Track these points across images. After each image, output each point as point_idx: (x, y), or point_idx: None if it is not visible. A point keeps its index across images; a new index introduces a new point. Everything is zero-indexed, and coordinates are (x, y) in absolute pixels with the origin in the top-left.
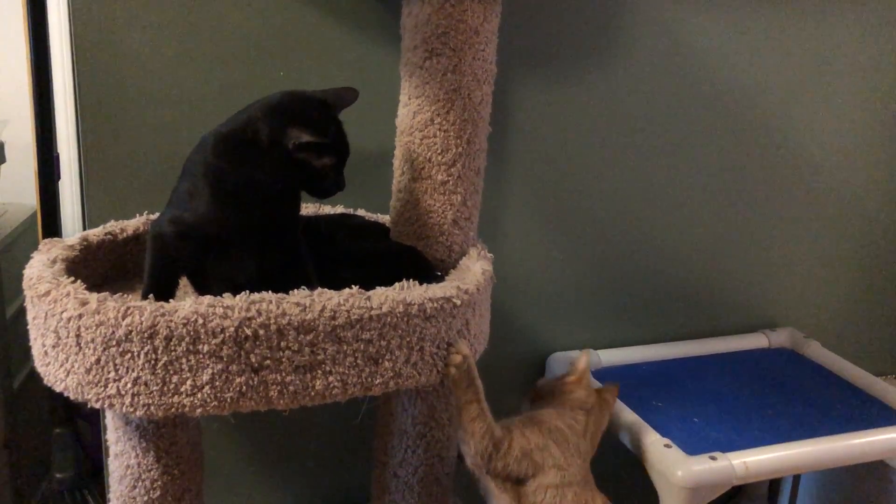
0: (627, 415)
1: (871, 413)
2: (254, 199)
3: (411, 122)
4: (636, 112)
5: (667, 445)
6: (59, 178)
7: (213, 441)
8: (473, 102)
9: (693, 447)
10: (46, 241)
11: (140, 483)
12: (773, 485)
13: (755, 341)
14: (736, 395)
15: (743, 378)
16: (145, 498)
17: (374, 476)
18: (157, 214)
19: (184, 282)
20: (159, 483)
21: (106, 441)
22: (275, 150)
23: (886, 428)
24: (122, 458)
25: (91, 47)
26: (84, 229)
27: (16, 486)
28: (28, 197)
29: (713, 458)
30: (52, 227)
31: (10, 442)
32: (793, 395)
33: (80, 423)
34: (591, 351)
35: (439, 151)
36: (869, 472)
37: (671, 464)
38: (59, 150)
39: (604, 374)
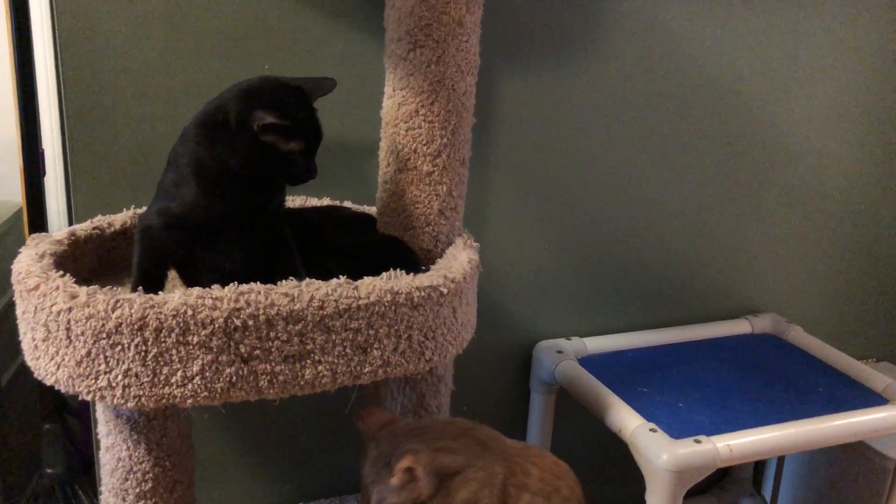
0: (613, 400)
1: (852, 395)
2: (233, 184)
3: (396, 114)
4: (620, 102)
5: (652, 430)
6: (44, 174)
7: (204, 433)
8: (458, 93)
9: (678, 431)
10: (34, 235)
11: (132, 475)
12: (758, 468)
13: (738, 327)
14: (720, 380)
15: (727, 363)
16: (137, 490)
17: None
18: (144, 209)
19: (172, 275)
20: (151, 475)
21: (97, 434)
22: (242, 132)
23: (866, 409)
24: (113, 450)
25: (75, 41)
26: (70, 225)
27: (6, 483)
28: (13, 194)
29: (698, 442)
30: (38, 223)
31: None
32: (776, 379)
33: (69, 419)
34: (577, 339)
35: (424, 142)
36: (851, 453)
37: (656, 447)
38: (43, 147)
39: (589, 361)
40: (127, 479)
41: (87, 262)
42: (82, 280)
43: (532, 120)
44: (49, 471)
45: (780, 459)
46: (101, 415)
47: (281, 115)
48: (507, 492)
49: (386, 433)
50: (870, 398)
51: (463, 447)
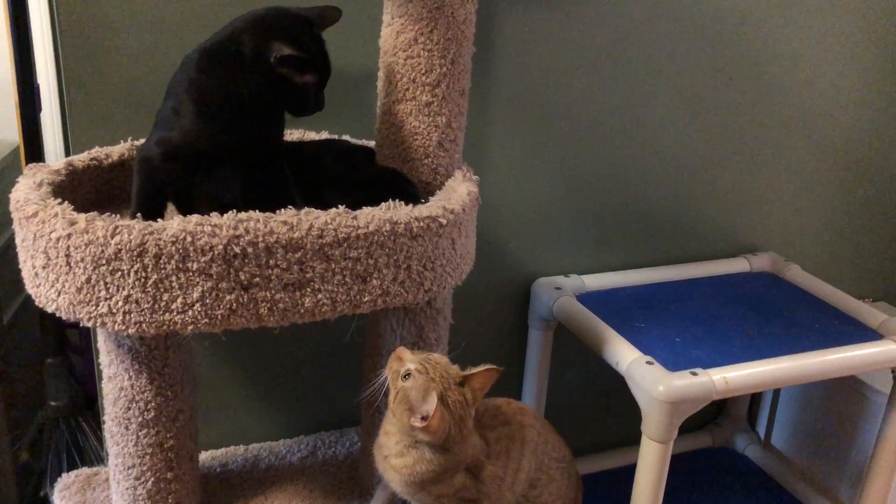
0: (610, 335)
1: (847, 331)
2: (237, 114)
3: (394, 42)
4: (623, 36)
5: (649, 362)
6: (40, 110)
7: (206, 365)
8: (457, 21)
9: (674, 364)
10: (31, 165)
11: (134, 405)
12: (753, 405)
13: (737, 265)
14: (717, 317)
15: (724, 301)
16: (140, 419)
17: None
18: (143, 140)
19: (171, 208)
20: (153, 404)
21: (98, 366)
22: (257, 64)
23: (861, 344)
24: (115, 380)
25: None
26: None
27: (11, 416)
28: (8, 132)
29: (694, 374)
30: (35, 160)
31: (3, 374)
32: (772, 315)
33: (71, 355)
34: (576, 276)
35: (423, 72)
36: (845, 390)
37: (653, 379)
38: (38, 82)
39: (587, 298)
40: (129, 409)
41: (85, 193)
42: (81, 212)
43: (533, 52)
44: (53, 404)
45: (775, 397)
46: (103, 345)
47: (297, 47)
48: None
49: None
50: (864, 334)
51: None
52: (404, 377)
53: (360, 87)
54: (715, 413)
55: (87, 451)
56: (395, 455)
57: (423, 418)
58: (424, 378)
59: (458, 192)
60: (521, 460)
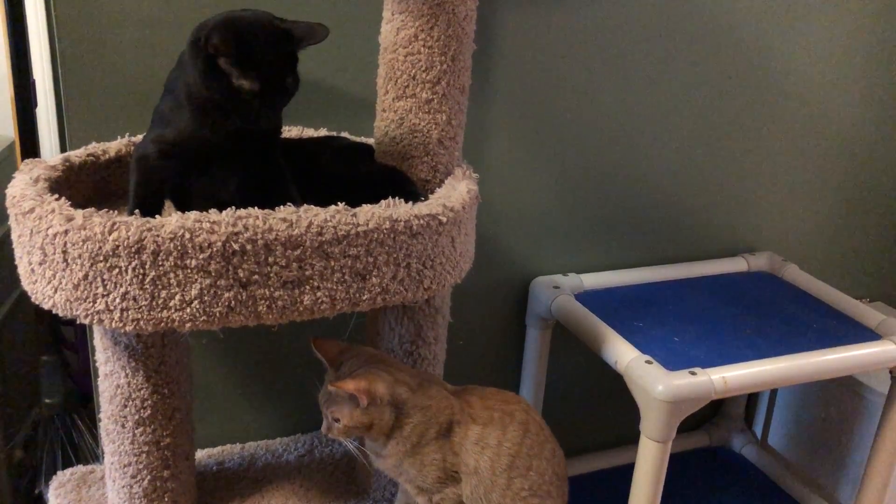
0: (609, 334)
1: (845, 331)
2: (216, 111)
3: (395, 39)
4: (621, 36)
5: (648, 362)
6: (35, 105)
7: (203, 363)
8: (458, 18)
9: (673, 364)
10: (27, 161)
11: (130, 402)
12: (750, 405)
13: (735, 265)
14: (715, 316)
15: (722, 300)
16: (136, 417)
17: None
18: (139, 137)
19: (168, 205)
20: (149, 402)
21: (95, 362)
22: (200, 50)
23: (859, 345)
24: (111, 378)
25: None
26: None
27: (6, 413)
28: (3, 128)
29: (693, 374)
30: (31, 156)
31: None
32: (771, 315)
33: (66, 352)
34: (574, 275)
35: (423, 69)
36: (842, 389)
37: (652, 379)
38: (34, 77)
39: (586, 297)
40: (126, 406)
41: (82, 189)
42: (78, 208)
43: (533, 50)
44: (48, 401)
45: (772, 396)
46: (99, 342)
47: (239, 44)
48: (452, 428)
49: (347, 356)
50: (863, 334)
51: (416, 385)
52: (335, 421)
53: (360, 83)
54: (712, 412)
55: (82, 449)
56: (381, 449)
57: (361, 399)
58: (327, 396)
59: (458, 189)
60: (521, 446)
